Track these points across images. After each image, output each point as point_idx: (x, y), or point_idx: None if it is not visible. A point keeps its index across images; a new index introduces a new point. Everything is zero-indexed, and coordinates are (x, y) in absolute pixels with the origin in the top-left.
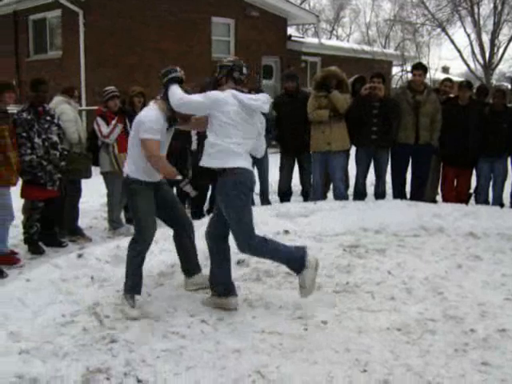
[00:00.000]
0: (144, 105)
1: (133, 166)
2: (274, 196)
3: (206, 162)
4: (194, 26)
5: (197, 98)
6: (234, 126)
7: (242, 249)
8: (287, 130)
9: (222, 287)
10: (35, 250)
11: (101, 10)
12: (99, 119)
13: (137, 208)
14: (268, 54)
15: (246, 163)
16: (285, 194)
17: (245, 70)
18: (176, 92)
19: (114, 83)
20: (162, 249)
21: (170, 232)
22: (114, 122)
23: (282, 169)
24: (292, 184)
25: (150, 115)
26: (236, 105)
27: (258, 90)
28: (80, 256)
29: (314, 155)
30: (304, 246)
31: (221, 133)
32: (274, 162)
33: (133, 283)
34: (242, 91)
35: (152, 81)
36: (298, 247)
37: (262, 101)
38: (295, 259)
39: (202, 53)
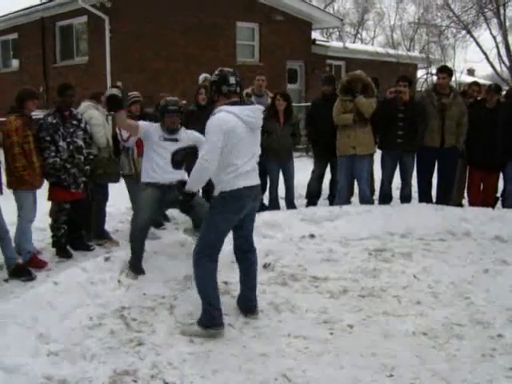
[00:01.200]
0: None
1: None
2: (299, 200)
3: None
4: (219, 30)
5: (211, 145)
6: (242, 145)
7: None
8: (321, 133)
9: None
10: (63, 254)
11: (126, 16)
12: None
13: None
14: (292, 58)
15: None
16: (313, 197)
17: (232, 80)
18: (192, 176)
19: (140, 88)
20: (188, 253)
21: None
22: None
23: (314, 171)
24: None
25: None
26: (239, 124)
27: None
28: (107, 259)
29: (339, 159)
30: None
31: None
32: (298, 166)
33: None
34: (236, 103)
35: (178, 85)
36: (221, 319)
37: (257, 116)
38: (208, 312)
39: (227, 57)
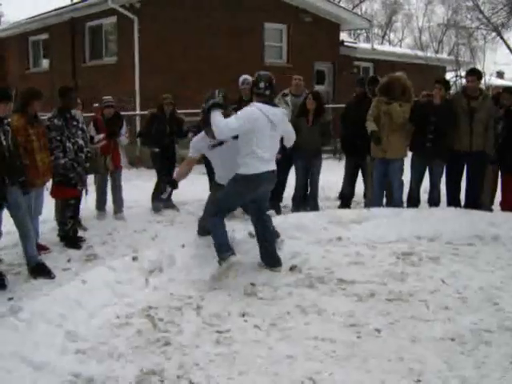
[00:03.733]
0: (174, 111)
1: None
2: (325, 202)
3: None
4: (247, 31)
5: (235, 125)
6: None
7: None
8: (351, 133)
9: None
10: (72, 245)
11: (155, 17)
12: (92, 127)
13: None
14: (320, 60)
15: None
16: (345, 199)
17: (261, 85)
18: (214, 121)
19: (167, 89)
20: (215, 255)
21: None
22: (102, 136)
23: (346, 173)
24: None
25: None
26: (261, 115)
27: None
28: (135, 259)
29: (374, 161)
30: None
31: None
32: (325, 168)
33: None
34: (264, 102)
35: (204, 87)
36: (230, 249)
37: (279, 116)
38: (220, 248)
39: (255, 58)
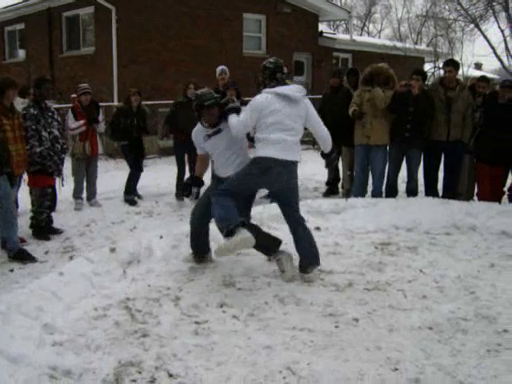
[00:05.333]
0: (140, 104)
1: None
2: (304, 192)
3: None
4: (226, 22)
5: (244, 118)
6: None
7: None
8: (328, 124)
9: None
10: (40, 235)
11: (133, 7)
12: (70, 114)
13: None
14: (299, 50)
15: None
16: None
17: (285, 70)
18: (231, 124)
19: (146, 79)
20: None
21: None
22: (82, 122)
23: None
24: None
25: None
26: (272, 98)
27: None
28: (112, 250)
29: (356, 149)
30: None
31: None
32: (304, 159)
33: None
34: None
35: (183, 77)
36: (240, 221)
37: (296, 89)
38: (227, 224)
39: (234, 49)
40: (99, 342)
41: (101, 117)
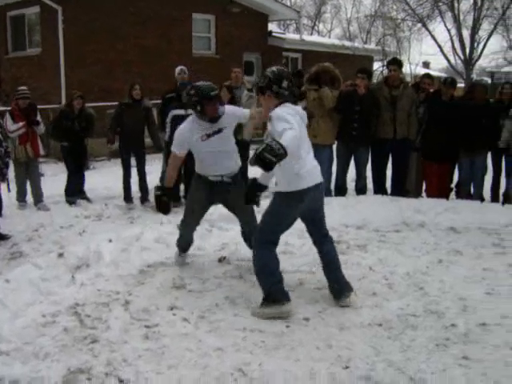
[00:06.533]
0: (83, 107)
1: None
2: None
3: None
4: (175, 22)
5: (292, 133)
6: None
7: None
8: None
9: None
10: None
11: (80, 7)
12: (8, 116)
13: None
14: (249, 51)
15: None
16: None
17: (284, 84)
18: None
19: (95, 80)
20: (144, 247)
21: (154, 229)
22: (21, 124)
23: None
24: None
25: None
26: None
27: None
28: (60, 255)
29: None
30: (288, 297)
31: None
32: None
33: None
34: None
35: (132, 78)
36: (285, 292)
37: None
38: (274, 290)
39: (183, 49)
40: (47, 349)
41: (39, 118)
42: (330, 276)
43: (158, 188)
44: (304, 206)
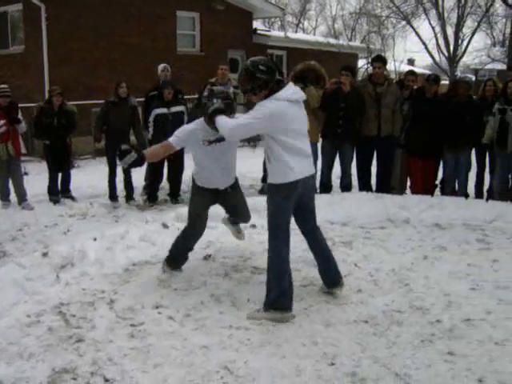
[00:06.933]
0: (63, 104)
1: None
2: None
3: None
4: (159, 19)
5: (249, 119)
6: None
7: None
8: None
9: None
10: None
11: (63, 4)
12: None
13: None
14: (234, 48)
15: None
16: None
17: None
18: (222, 124)
19: (79, 78)
20: (129, 245)
21: (139, 228)
22: (2, 122)
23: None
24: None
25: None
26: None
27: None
28: (45, 255)
29: None
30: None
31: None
32: (239, 156)
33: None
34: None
35: (117, 76)
36: (291, 301)
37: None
38: (280, 294)
39: (168, 47)
40: (32, 349)
41: (20, 117)
42: (322, 263)
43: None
44: (297, 196)
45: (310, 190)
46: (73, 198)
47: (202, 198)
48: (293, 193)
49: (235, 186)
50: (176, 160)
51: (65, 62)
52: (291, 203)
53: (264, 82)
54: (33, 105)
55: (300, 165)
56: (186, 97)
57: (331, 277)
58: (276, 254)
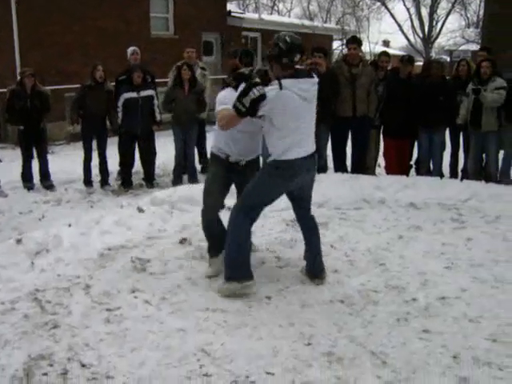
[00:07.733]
0: (35, 85)
1: None
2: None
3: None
4: (133, 2)
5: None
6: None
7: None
8: None
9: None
10: None
11: None
12: None
13: None
14: (208, 31)
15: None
16: None
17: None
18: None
19: (52, 63)
20: (104, 230)
21: (114, 212)
22: None
23: None
24: None
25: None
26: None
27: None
28: (19, 241)
29: None
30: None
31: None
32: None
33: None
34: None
35: (90, 60)
36: (249, 271)
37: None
38: (238, 264)
39: (141, 30)
40: (7, 337)
41: None
42: (312, 251)
43: None
44: (297, 181)
45: (311, 171)
46: (52, 187)
47: (215, 167)
48: (291, 173)
49: (252, 165)
50: (146, 142)
51: (37, 46)
52: (285, 185)
53: (278, 55)
54: (4, 90)
55: (302, 143)
56: (157, 80)
57: (313, 270)
58: (238, 228)
